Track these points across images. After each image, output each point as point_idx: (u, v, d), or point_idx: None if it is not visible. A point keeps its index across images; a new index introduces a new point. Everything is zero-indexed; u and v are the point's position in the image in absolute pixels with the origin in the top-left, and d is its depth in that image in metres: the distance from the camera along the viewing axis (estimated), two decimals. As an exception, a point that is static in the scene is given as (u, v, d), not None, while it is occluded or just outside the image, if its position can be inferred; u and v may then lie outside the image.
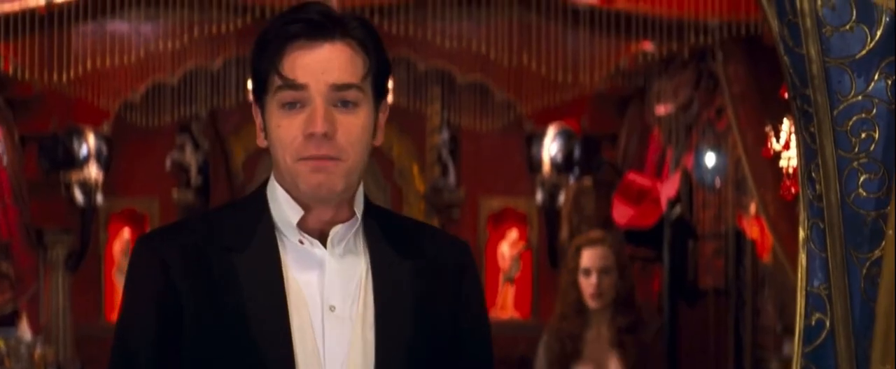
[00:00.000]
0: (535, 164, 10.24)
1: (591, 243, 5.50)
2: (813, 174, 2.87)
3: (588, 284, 5.40)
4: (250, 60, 2.49)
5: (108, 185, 10.00)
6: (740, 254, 8.64)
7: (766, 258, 8.46)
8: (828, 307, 2.90)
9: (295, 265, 2.45)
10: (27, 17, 7.67)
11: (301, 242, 2.47)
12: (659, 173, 9.17)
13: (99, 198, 9.88)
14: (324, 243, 2.46)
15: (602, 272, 5.39)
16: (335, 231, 2.47)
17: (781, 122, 5.38)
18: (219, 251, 2.44)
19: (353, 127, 2.43)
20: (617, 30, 7.81)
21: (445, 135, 10.52)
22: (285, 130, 2.42)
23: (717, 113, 8.52)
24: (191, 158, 10.44)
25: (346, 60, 2.43)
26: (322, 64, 2.42)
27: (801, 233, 2.94)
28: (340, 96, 2.41)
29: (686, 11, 7.47)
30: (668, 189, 8.92)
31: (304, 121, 2.40)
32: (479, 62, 8.86)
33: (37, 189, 9.60)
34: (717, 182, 8.71)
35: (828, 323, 2.91)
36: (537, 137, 10.18)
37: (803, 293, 2.95)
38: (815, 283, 2.94)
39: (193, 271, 2.42)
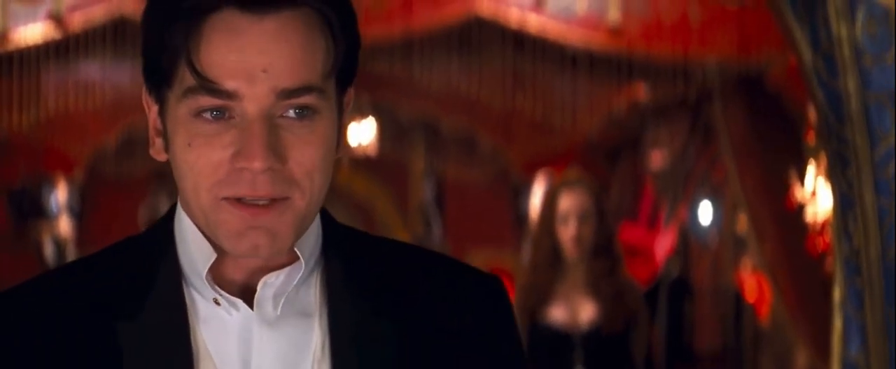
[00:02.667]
0: (523, 219, 10.07)
1: (569, 185, 5.04)
2: (849, 227, 2.56)
3: (566, 231, 4.95)
4: (142, 27, 1.61)
5: (81, 237, 9.77)
6: (739, 314, 8.44)
7: (766, 317, 8.30)
8: (867, 377, 2.59)
9: (210, 337, 1.60)
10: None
11: (216, 302, 1.60)
12: (652, 224, 9.02)
13: (71, 253, 9.66)
14: (250, 302, 1.60)
15: (581, 218, 4.96)
16: (266, 283, 1.60)
17: (791, 171, 5.07)
18: (96, 320, 1.60)
19: (311, 147, 1.57)
20: (611, 73, 7.62)
21: (430, 187, 10.36)
22: (201, 154, 1.56)
23: (712, 162, 8.39)
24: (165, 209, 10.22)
25: (301, 46, 1.55)
26: (263, 56, 1.54)
27: (837, 294, 2.62)
28: (291, 103, 1.55)
29: (683, 51, 7.27)
30: (664, 245, 8.75)
31: (232, 144, 1.55)
32: (466, 107, 8.67)
33: (5, 242, 9.34)
34: (714, 236, 8.56)
35: (867, 396, 2.60)
36: (525, 189, 10.02)
37: (839, 361, 2.62)
38: (853, 350, 2.62)
39: (56, 355, 1.60)
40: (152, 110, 1.62)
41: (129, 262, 1.65)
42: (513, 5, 7.41)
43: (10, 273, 9.31)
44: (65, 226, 9.69)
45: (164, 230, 1.65)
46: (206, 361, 1.59)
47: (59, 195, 9.62)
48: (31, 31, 7.35)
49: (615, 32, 7.41)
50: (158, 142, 1.62)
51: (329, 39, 1.57)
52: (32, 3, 7.30)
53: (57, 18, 7.32)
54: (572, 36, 7.50)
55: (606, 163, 9.78)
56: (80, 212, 9.79)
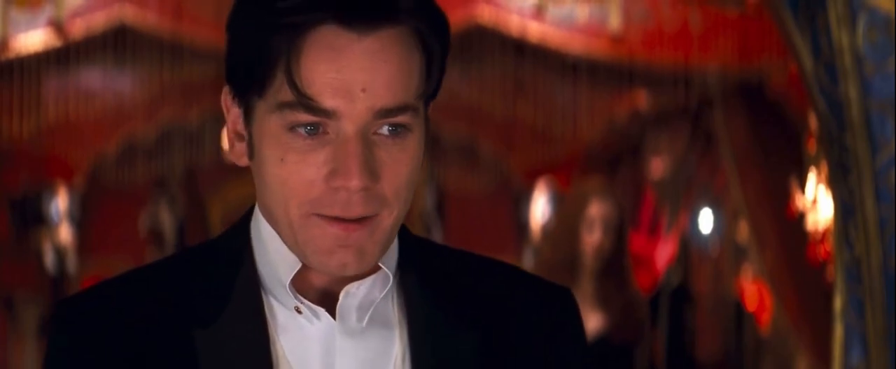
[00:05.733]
0: (524, 227, 10.05)
1: (602, 194, 5.04)
2: (850, 235, 2.55)
3: (589, 239, 4.94)
4: (231, 32, 1.60)
5: (82, 245, 9.76)
6: (740, 322, 8.42)
7: (766, 325, 8.28)
8: (868, 386, 2.58)
9: (289, 346, 1.59)
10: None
11: (298, 311, 1.60)
12: (653, 232, 9.00)
13: (71, 262, 9.64)
14: (332, 311, 1.60)
15: (607, 227, 4.95)
16: (349, 293, 1.60)
17: (793, 179, 5.06)
18: (174, 327, 1.58)
19: (403, 166, 1.57)
20: (612, 81, 7.61)
21: (431, 195, 10.34)
22: (294, 170, 1.54)
23: (713, 170, 8.37)
24: (166, 219, 10.22)
25: (399, 65, 1.55)
26: (364, 74, 1.52)
27: (838, 302, 2.61)
28: (387, 122, 1.55)
29: (684, 59, 7.27)
30: (665, 253, 8.73)
31: (327, 162, 1.54)
32: (467, 114, 8.66)
33: (6, 249, 9.32)
34: (715, 244, 8.54)
35: (868, 406, 2.59)
36: (525, 198, 10.00)
37: (840, 370, 2.61)
38: (854, 359, 2.61)
39: (134, 361, 1.58)
40: (233, 112, 1.61)
41: (207, 268, 1.63)
42: (513, 13, 7.40)
43: (11, 280, 9.31)
44: (65, 233, 9.68)
45: (241, 236, 1.64)
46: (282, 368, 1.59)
47: (60, 203, 9.61)
48: (32, 39, 7.35)
49: (616, 40, 7.41)
50: (240, 146, 1.61)
51: (424, 59, 1.58)
52: (33, 11, 7.30)
53: (58, 26, 7.32)
54: (573, 43, 7.49)
55: (607, 170, 9.77)
56: (81, 219, 9.78)
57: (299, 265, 1.58)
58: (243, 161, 1.61)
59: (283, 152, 1.54)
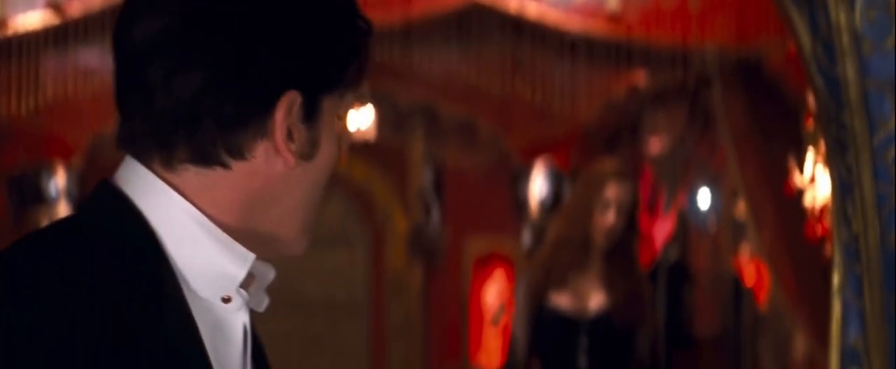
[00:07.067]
0: (522, 205, 10.04)
1: (619, 177, 5.09)
2: (848, 212, 2.56)
3: (603, 219, 4.99)
4: (311, 33, 1.55)
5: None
6: (738, 300, 8.42)
7: (764, 303, 8.28)
8: (865, 362, 2.59)
9: (218, 340, 1.52)
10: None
11: (225, 300, 1.53)
12: (651, 211, 8.99)
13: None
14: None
15: (620, 209, 5.00)
16: (261, 270, 1.58)
17: (791, 157, 5.07)
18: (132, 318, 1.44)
19: None
20: (610, 60, 7.60)
21: (429, 173, 10.32)
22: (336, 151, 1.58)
23: (711, 149, 8.36)
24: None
25: None
26: None
27: (835, 279, 2.62)
28: None
29: (682, 38, 7.26)
30: (663, 230, 8.73)
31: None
32: (465, 93, 8.66)
33: (4, 227, 9.31)
34: (713, 222, 8.53)
35: (865, 381, 2.60)
36: (524, 176, 9.99)
37: (837, 347, 2.63)
38: (851, 336, 2.62)
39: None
40: (287, 117, 1.53)
41: (118, 262, 1.47)
42: (512, -8, 7.41)
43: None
44: (64, 212, 9.66)
45: (135, 224, 1.52)
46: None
47: (59, 181, 9.59)
48: (31, 18, 7.35)
49: (614, 19, 7.41)
50: (297, 147, 1.54)
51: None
52: (31, -10, 7.31)
53: (56, 6, 7.32)
54: (571, 22, 7.50)
55: (605, 149, 9.76)
56: (79, 198, 9.76)
57: (252, 256, 1.53)
58: (290, 162, 1.53)
59: (333, 140, 1.56)
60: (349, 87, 1.57)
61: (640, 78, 8.00)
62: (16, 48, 7.55)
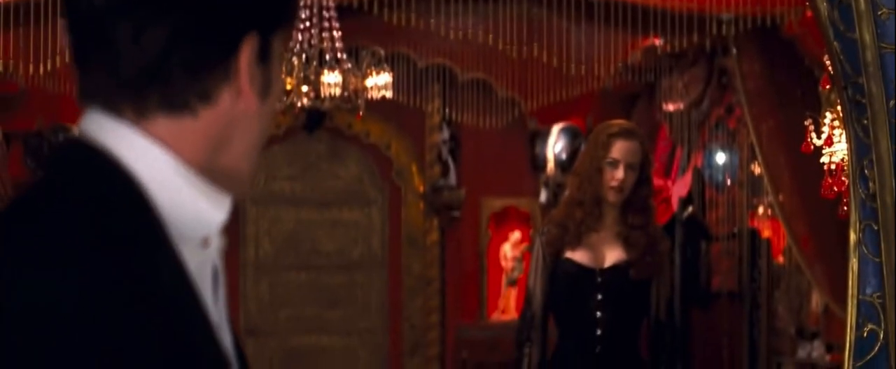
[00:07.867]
0: (539, 163, 10.07)
1: (625, 135, 5.12)
2: (866, 171, 2.62)
3: (612, 176, 5.05)
4: None
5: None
6: (754, 255, 8.46)
7: (780, 259, 8.32)
8: (881, 317, 2.66)
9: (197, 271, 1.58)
10: (10, 9, 7.46)
11: (205, 244, 1.59)
12: (668, 172, 9.03)
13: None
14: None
15: (629, 166, 5.05)
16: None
17: (806, 118, 5.11)
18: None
19: None
20: (627, 23, 7.61)
21: (445, 133, 10.34)
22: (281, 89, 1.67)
23: (728, 110, 8.38)
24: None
25: None
26: None
27: (852, 236, 2.68)
28: None
29: (699, 4, 7.26)
30: (680, 188, 8.77)
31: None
32: (482, 57, 8.68)
33: (22, 188, 9.38)
34: (729, 181, 8.56)
35: (881, 335, 2.66)
36: (541, 135, 10.02)
37: (854, 301, 2.70)
38: (868, 291, 2.69)
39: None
40: (250, 57, 1.58)
41: (114, 220, 1.49)
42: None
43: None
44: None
45: (123, 179, 1.53)
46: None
47: (77, 143, 9.65)
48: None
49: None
50: (260, 88, 1.59)
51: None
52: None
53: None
54: (588, -15, 7.52)
55: (622, 110, 9.78)
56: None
57: (229, 198, 1.58)
58: (254, 104, 1.58)
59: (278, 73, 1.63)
60: (288, 26, 1.64)
61: (657, 39, 8.01)
62: (33, 10, 7.58)
